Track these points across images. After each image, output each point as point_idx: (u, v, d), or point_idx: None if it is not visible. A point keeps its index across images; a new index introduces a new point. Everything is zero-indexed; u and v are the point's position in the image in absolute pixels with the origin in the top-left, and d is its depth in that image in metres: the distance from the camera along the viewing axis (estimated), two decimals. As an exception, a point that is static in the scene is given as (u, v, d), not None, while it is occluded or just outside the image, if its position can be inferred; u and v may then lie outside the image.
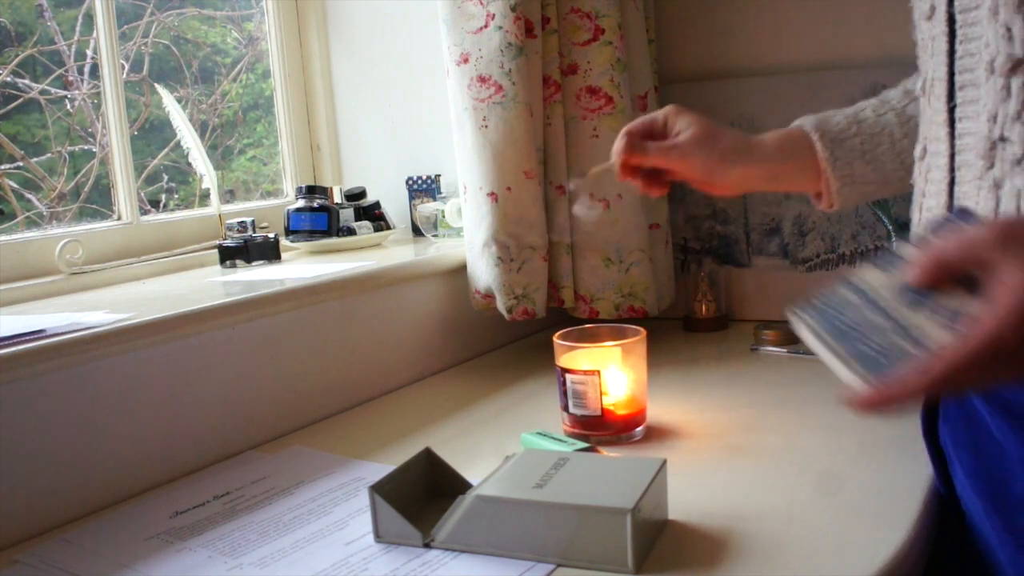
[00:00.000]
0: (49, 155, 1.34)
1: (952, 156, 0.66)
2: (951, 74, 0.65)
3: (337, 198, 1.50)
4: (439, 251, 1.37)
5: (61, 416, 0.87)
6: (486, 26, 1.23)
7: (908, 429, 0.85)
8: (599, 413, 0.95)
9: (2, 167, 1.28)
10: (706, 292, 1.45)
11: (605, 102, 1.34)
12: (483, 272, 1.29)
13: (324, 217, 1.46)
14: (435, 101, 1.52)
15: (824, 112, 0.90)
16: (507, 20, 1.21)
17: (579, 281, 1.37)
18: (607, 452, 0.94)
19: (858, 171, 0.87)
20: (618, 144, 0.88)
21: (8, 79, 1.29)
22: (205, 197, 1.49)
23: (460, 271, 1.34)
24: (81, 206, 1.36)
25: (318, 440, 1.05)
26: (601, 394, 0.95)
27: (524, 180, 1.25)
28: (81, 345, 0.86)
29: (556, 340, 0.99)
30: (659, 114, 0.90)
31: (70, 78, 1.36)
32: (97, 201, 1.37)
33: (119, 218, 1.36)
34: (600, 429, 0.96)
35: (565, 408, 0.98)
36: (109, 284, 1.25)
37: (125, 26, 1.41)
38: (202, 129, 1.55)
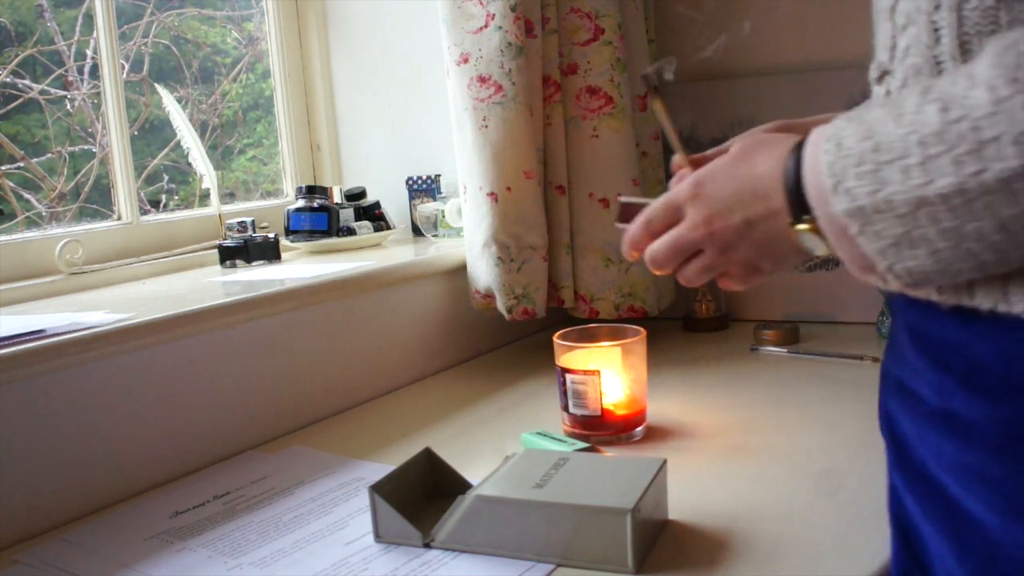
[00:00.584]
0: (49, 155, 1.34)
1: None
2: None
3: (337, 198, 1.50)
4: (439, 251, 1.37)
5: (61, 416, 0.87)
6: (486, 26, 1.23)
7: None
8: (599, 413, 0.95)
9: (2, 167, 1.28)
10: (706, 292, 1.45)
11: (605, 102, 1.34)
12: (483, 272, 1.29)
13: (324, 217, 1.46)
14: (435, 101, 1.52)
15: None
16: (507, 20, 1.21)
17: (579, 281, 1.37)
18: (607, 452, 0.94)
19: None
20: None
21: (8, 79, 1.29)
22: (205, 197, 1.49)
23: (460, 271, 1.34)
24: (81, 206, 1.36)
25: (318, 440, 1.05)
26: (601, 394, 0.95)
27: (524, 180, 1.25)
28: (81, 345, 0.86)
29: (556, 340, 0.99)
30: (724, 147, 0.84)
31: (70, 78, 1.36)
32: (97, 201, 1.37)
33: (119, 218, 1.36)
34: (600, 429, 0.96)
35: (565, 408, 0.98)
36: (109, 284, 1.25)
37: (125, 26, 1.41)
38: (202, 129, 1.55)
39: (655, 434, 0.98)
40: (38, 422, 0.85)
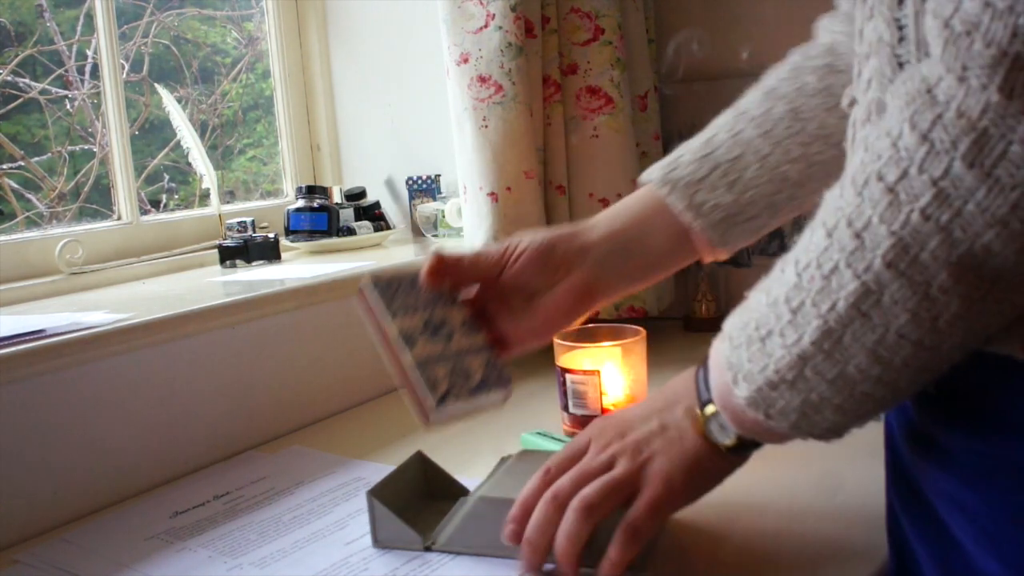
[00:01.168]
0: (49, 155, 1.34)
1: None
2: None
3: (337, 198, 1.50)
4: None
5: (61, 416, 0.87)
6: (486, 26, 1.23)
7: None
8: (599, 413, 0.95)
9: (2, 167, 1.28)
10: (706, 292, 1.45)
11: (605, 102, 1.34)
12: (483, 272, 1.29)
13: (324, 217, 1.46)
14: (435, 101, 1.52)
15: (672, 153, 0.76)
16: (507, 20, 1.21)
17: (579, 281, 1.37)
18: None
19: (728, 206, 0.72)
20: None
21: (8, 79, 1.29)
22: (205, 197, 1.49)
23: (460, 271, 1.34)
24: (81, 206, 1.36)
25: (318, 440, 1.05)
26: (601, 394, 0.95)
27: (524, 180, 1.25)
28: (81, 345, 0.86)
29: (556, 340, 0.99)
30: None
31: (70, 78, 1.36)
32: (97, 201, 1.37)
33: (119, 218, 1.36)
34: (600, 429, 0.96)
35: (565, 408, 0.98)
36: (109, 284, 1.25)
37: (125, 26, 1.41)
38: (202, 129, 1.55)
39: (655, 434, 0.98)
40: (38, 422, 0.85)
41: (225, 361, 1.03)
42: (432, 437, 1.02)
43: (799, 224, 0.57)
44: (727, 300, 1.49)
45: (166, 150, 1.50)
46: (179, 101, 1.46)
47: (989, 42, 0.40)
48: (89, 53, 1.36)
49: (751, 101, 0.77)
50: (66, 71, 1.36)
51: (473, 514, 0.72)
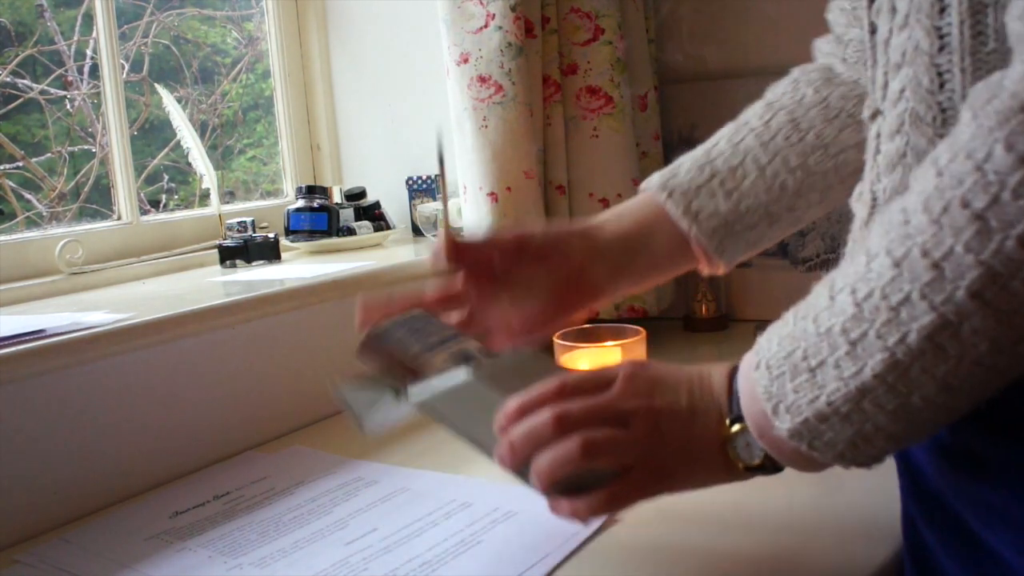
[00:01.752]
0: (49, 155, 1.34)
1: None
2: None
3: (337, 198, 1.50)
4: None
5: (61, 416, 0.87)
6: (486, 26, 1.23)
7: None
8: (599, 413, 0.95)
9: (2, 167, 1.28)
10: (706, 292, 1.45)
11: (605, 102, 1.34)
12: (483, 272, 1.29)
13: (324, 217, 1.46)
14: (435, 101, 1.52)
15: (674, 162, 0.77)
16: (507, 20, 1.21)
17: (579, 281, 1.37)
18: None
19: (725, 214, 0.73)
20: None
21: (8, 79, 1.29)
22: (205, 197, 1.49)
23: (460, 271, 1.34)
24: (81, 206, 1.36)
25: (318, 440, 1.05)
26: (601, 394, 0.95)
27: (524, 180, 1.25)
28: (81, 345, 0.86)
29: (556, 340, 0.99)
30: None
31: (70, 78, 1.36)
32: (97, 201, 1.37)
33: (119, 218, 1.36)
34: (600, 429, 0.96)
35: (565, 408, 0.98)
36: (109, 284, 1.25)
37: (125, 26, 1.41)
38: (202, 129, 1.55)
39: (655, 434, 0.98)
40: (38, 422, 0.85)
41: (225, 361, 1.03)
42: (432, 437, 1.02)
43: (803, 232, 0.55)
44: (727, 300, 1.49)
45: (166, 150, 1.50)
46: (179, 101, 1.46)
47: None
48: (89, 53, 1.36)
49: (753, 112, 0.77)
50: (66, 71, 1.36)
51: (464, 389, 0.66)
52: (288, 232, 1.47)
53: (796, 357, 0.51)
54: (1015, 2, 0.43)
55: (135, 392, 0.93)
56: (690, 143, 0.79)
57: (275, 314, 1.08)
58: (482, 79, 1.23)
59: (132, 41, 1.45)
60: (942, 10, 0.48)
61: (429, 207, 1.52)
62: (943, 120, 0.50)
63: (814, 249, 1.43)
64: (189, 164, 1.45)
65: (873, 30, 0.55)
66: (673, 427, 0.59)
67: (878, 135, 0.55)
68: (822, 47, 0.79)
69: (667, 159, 1.24)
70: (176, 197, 1.52)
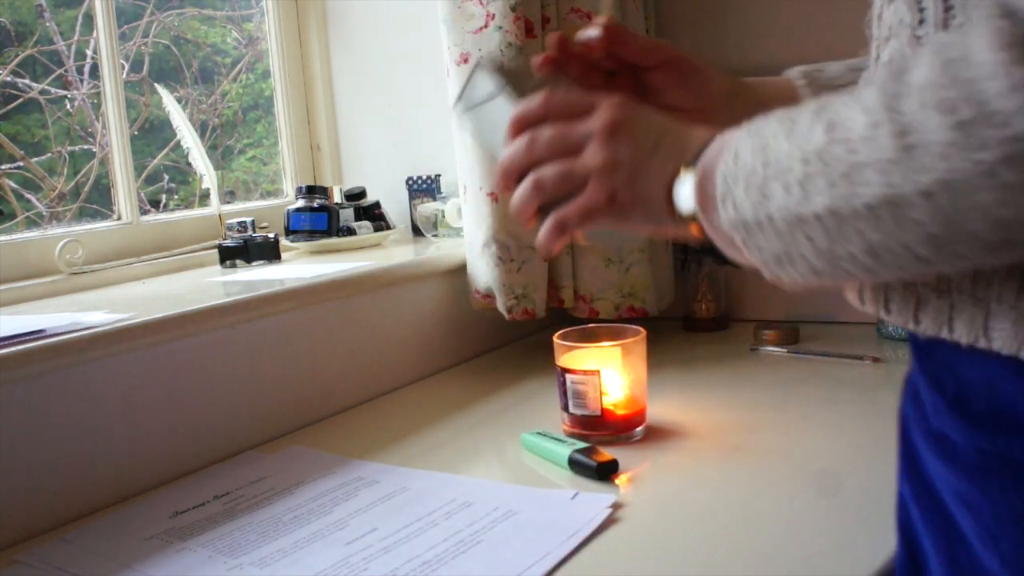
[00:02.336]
0: (49, 155, 1.34)
1: None
2: None
3: (337, 198, 1.50)
4: (439, 251, 1.37)
5: (61, 416, 0.87)
6: (486, 26, 1.23)
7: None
8: (599, 413, 0.95)
9: (2, 167, 1.28)
10: (706, 292, 1.45)
11: (605, 102, 1.33)
12: (483, 272, 1.29)
13: (324, 217, 1.46)
14: (435, 101, 1.52)
15: (821, 63, 0.83)
16: (507, 20, 1.21)
17: (579, 281, 1.37)
18: None
19: None
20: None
21: (8, 79, 1.29)
22: (205, 197, 1.49)
23: (460, 271, 1.34)
24: (81, 206, 1.36)
25: (318, 440, 1.05)
26: (601, 394, 0.95)
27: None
28: (81, 345, 0.86)
29: (556, 340, 0.99)
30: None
31: (70, 78, 1.36)
32: (97, 201, 1.37)
33: (119, 218, 1.36)
34: (600, 429, 0.96)
35: (565, 408, 0.98)
36: (109, 284, 1.25)
37: (125, 26, 1.41)
38: (202, 129, 1.55)
39: (655, 434, 0.98)
40: (38, 422, 0.85)
41: (225, 361, 1.03)
42: (432, 437, 1.02)
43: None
44: (727, 300, 1.49)
45: (166, 150, 1.50)
46: (179, 101, 1.46)
47: None
48: (89, 53, 1.36)
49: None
50: (66, 71, 1.36)
51: (489, 108, 0.71)
52: (288, 232, 1.47)
53: (758, 161, 0.53)
54: None
55: (135, 392, 0.93)
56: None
57: (275, 314, 1.08)
58: (482, 79, 1.23)
59: (132, 41, 1.45)
60: None
61: (429, 207, 1.52)
62: None
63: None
64: (189, 164, 1.45)
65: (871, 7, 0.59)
66: (634, 160, 0.62)
67: None
68: (792, 73, 0.86)
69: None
70: (176, 197, 1.52)
